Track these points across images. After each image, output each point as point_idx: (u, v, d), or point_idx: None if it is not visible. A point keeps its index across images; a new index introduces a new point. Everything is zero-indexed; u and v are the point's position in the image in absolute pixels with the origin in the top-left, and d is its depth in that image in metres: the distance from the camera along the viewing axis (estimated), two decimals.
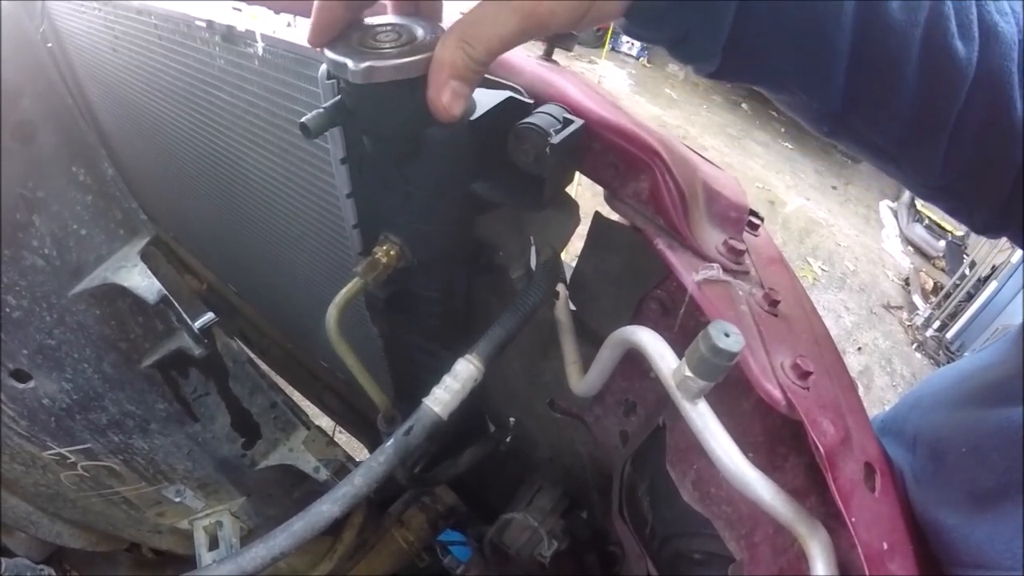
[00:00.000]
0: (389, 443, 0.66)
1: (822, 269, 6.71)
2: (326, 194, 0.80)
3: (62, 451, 0.77)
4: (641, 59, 10.31)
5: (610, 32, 9.70)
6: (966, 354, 5.56)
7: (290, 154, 0.82)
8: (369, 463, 0.65)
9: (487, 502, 1.33)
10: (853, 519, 0.53)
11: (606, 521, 1.11)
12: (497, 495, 1.28)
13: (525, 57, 0.76)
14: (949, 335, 5.99)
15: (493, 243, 0.80)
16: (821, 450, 0.55)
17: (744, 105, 9.76)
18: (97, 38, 1.10)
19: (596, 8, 0.55)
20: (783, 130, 9.29)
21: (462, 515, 1.30)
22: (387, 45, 0.58)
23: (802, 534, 0.57)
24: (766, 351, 0.60)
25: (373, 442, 1.56)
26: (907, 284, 6.96)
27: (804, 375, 0.59)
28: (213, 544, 0.93)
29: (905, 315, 6.59)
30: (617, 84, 9.13)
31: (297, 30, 0.72)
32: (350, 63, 0.56)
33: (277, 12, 0.77)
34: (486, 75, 0.70)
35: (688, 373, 0.58)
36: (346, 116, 0.61)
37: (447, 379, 0.69)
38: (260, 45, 0.73)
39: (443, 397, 0.68)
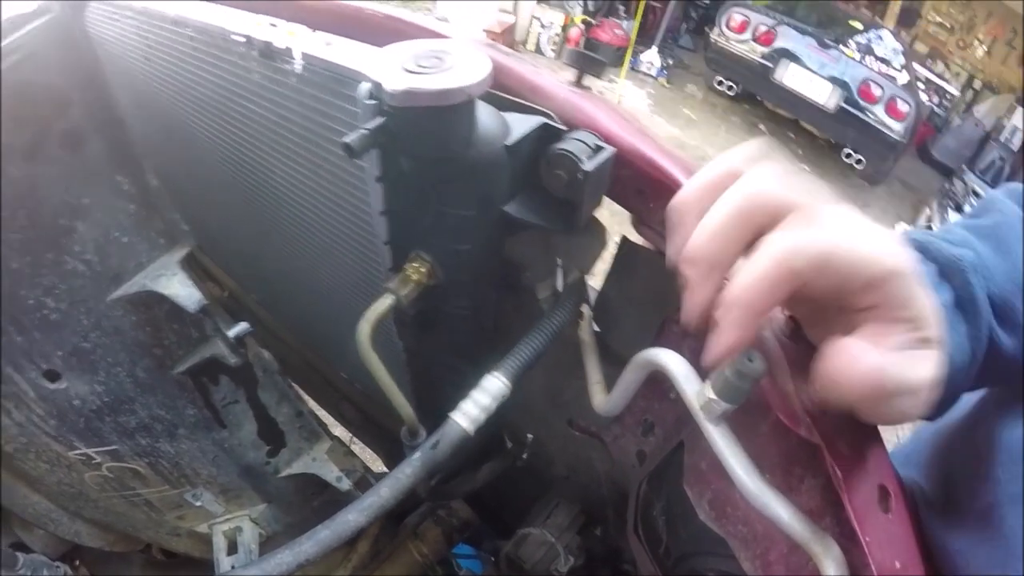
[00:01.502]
0: (416, 456, 0.67)
1: None
2: (358, 210, 0.81)
3: (88, 451, 0.78)
4: (660, 79, 10.35)
5: (630, 51, 9.75)
6: None
7: (322, 169, 0.83)
8: (396, 475, 0.66)
9: (501, 517, 1.34)
10: (867, 538, 0.54)
11: (620, 539, 1.11)
12: (511, 510, 1.29)
13: (557, 83, 0.77)
14: None
15: (521, 263, 0.82)
16: (838, 472, 0.56)
17: (762, 126, 9.79)
18: (129, 46, 1.11)
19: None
20: (800, 152, 9.30)
21: (476, 529, 1.30)
22: (429, 69, 0.59)
23: (817, 552, 0.58)
24: (787, 375, 0.61)
25: (389, 453, 1.57)
26: None
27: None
28: (232, 549, 0.94)
29: None
30: (636, 103, 9.16)
31: (335, 49, 0.73)
32: (389, 85, 0.58)
33: (313, 30, 0.78)
34: (519, 100, 0.73)
35: (712, 395, 0.59)
36: (388, 137, 0.62)
37: (475, 394, 0.71)
38: (299, 62, 0.75)
39: (471, 412, 0.70)
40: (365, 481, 0.96)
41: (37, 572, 0.88)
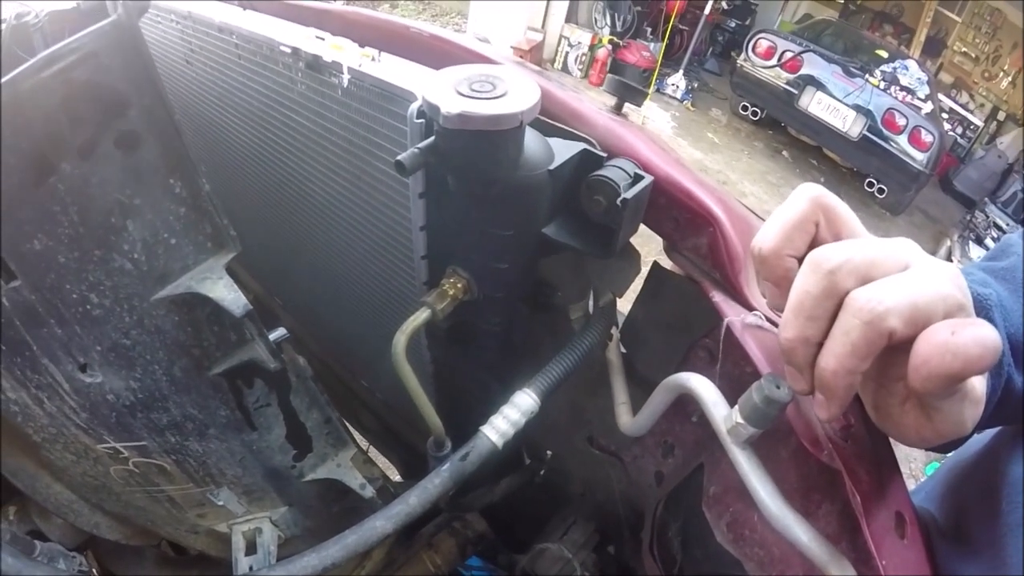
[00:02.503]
0: (445, 467, 0.68)
1: None
2: (396, 224, 0.83)
3: (117, 446, 0.78)
4: (685, 102, 10.35)
5: (656, 73, 9.77)
6: None
7: (362, 182, 0.85)
8: (424, 484, 0.67)
9: (513, 531, 1.34)
10: (883, 562, 0.56)
11: (633, 558, 1.12)
12: (523, 525, 1.29)
13: (597, 110, 0.79)
14: None
15: (554, 284, 0.83)
16: (857, 497, 0.57)
17: (785, 152, 9.76)
18: (171, 49, 1.13)
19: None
20: (822, 180, 9.25)
21: (489, 542, 1.30)
22: (482, 94, 0.60)
23: (834, 575, 0.59)
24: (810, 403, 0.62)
25: (405, 463, 1.58)
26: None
27: (845, 428, 0.62)
28: (250, 549, 0.95)
29: None
30: (660, 126, 9.15)
31: (383, 66, 0.75)
32: (444, 107, 0.59)
33: (362, 45, 0.80)
34: (561, 125, 0.75)
35: (739, 420, 0.61)
36: (438, 157, 0.63)
37: (506, 409, 0.72)
38: (346, 77, 0.76)
39: (501, 427, 0.71)
40: (385, 490, 0.96)
41: (54, 561, 0.88)
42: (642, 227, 0.75)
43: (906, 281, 0.51)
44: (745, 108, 10.28)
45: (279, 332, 0.72)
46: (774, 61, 9.44)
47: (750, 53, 9.63)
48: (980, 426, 0.73)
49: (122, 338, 0.68)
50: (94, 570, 1.08)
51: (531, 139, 0.67)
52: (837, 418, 0.56)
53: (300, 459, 0.90)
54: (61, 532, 0.95)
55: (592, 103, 0.81)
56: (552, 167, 0.67)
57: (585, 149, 0.71)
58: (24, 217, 0.57)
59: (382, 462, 1.75)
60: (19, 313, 0.62)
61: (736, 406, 0.62)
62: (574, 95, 0.80)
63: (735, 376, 0.72)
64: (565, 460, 1.19)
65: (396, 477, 1.53)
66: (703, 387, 0.67)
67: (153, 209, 0.61)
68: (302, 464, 0.91)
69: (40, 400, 0.72)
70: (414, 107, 0.67)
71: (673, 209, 0.72)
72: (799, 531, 0.60)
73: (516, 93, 0.61)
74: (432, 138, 0.63)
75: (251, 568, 0.93)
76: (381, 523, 0.65)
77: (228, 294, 0.64)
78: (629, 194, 0.66)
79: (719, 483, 0.80)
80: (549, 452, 1.26)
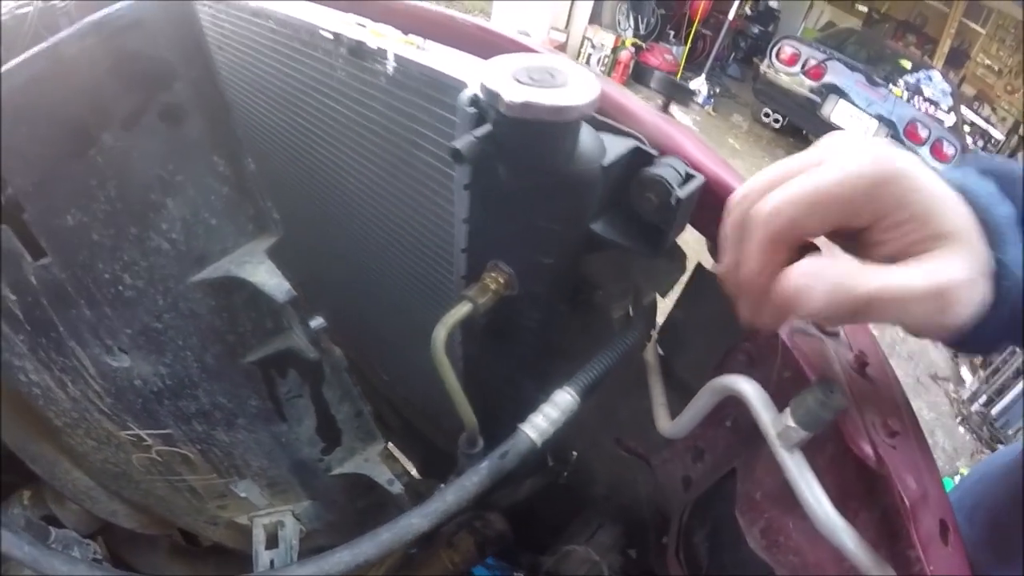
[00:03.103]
0: (483, 464, 0.67)
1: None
2: (436, 216, 0.82)
3: (141, 433, 0.77)
4: (707, 107, 10.33)
5: (679, 77, 9.74)
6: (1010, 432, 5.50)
7: (402, 172, 0.83)
8: (462, 482, 0.66)
9: (533, 532, 1.33)
10: (931, 567, 0.56)
11: (656, 562, 1.10)
12: (542, 526, 1.28)
13: (646, 107, 0.78)
14: (995, 411, 5.84)
15: (596, 282, 0.81)
16: (906, 502, 0.57)
17: None
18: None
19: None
20: None
21: (508, 543, 1.29)
22: (543, 84, 0.59)
23: None
24: (858, 409, 0.63)
25: (424, 461, 1.56)
26: (956, 356, 6.82)
27: (892, 434, 0.63)
28: (271, 543, 0.94)
29: (952, 387, 6.47)
30: None
31: (430, 54, 0.74)
32: (506, 95, 0.57)
33: (406, 32, 0.78)
34: (611, 122, 0.73)
35: (791, 423, 0.61)
36: (495, 146, 0.62)
37: (546, 408, 0.71)
38: (391, 64, 0.74)
39: (540, 425, 0.70)
40: (411, 486, 0.95)
41: (68, 548, 0.88)
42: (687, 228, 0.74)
43: (809, 175, 0.53)
44: (767, 115, 10.25)
45: (317, 321, 0.70)
46: (797, 68, 9.42)
47: (773, 59, 9.61)
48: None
49: (154, 321, 0.66)
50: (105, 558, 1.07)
51: (585, 133, 0.65)
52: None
53: (328, 452, 0.88)
54: (76, 519, 0.95)
55: (640, 101, 0.80)
56: (605, 162, 0.66)
57: (636, 146, 0.70)
58: (58, 191, 0.55)
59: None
60: (47, 292, 0.61)
61: (787, 409, 0.62)
62: (620, 91, 0.79)
63: (772, 380, 0.71)
64: (590, 461, 1.17)
65: (413, 473, 1.52)
66: (752, 390, 0.67)
67: (195, 187, 0.59)
68: (330, 458, 0.89)
69: (64, 383, 0.71)
70: (465, 95, 0.65)
71: (720, 210, 0.70)
72: (846, 537, 0.60)
73: (576, 85, 0.60)
74: (488, 126, 0.61)
75: (272, 562, 0.92)
76: (417, 520, 0.64)
77: (270, 279, 0.62)
78: (683, 193, 0.65)
79: (753, 489, 0.79)
80: (575, 453, 1.24)
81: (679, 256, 0.79)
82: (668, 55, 9.84)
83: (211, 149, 0.59)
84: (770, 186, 0.55)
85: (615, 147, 0.68)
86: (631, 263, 0.81)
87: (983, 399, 6.02)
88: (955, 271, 0.51)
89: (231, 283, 0.64)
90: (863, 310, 0.51)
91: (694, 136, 0.76)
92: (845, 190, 0.52)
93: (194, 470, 0.85)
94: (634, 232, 0.71)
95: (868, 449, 0.60)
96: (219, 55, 1.10)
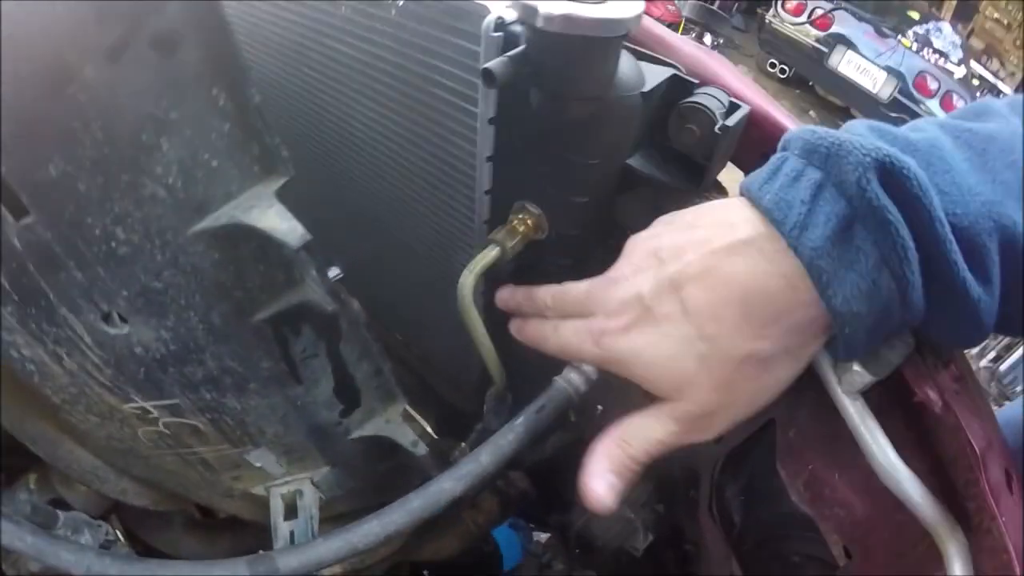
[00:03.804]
0: (519, 420, 0.63)
1: None
2: (455, 157, 0.77)
3: (145, 405, 0.72)
4: None
5: (681, 28, 9.62)
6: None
7: (417, 113, 0.78)
8: (497, 440, 0.62)
9: (557, 491, 1.30)
10: (1003, 518, 0.54)
11: (684, 518, 1.09)
12: (568, 485, 1.25)
13: (681, 37, 0.74)
14: (1003, 367, 5.80)
15: (627, 224, 0.77)
16: (976, 450, 0.55)
17: (812, 113, 9.70)
18: None
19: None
20: None
21: (531, 502, 1.26)
22: None
23: (943, 536, 0.57)
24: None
25: (443, 420, 1.53)
26: None
27: (958, 378, 0.59)
28: (290, 513, 0.90)
29: None
30: None
31: None
32: (544, 8, 0.53)
33: None
34: (645, 51, 0.69)
35: (857, 368, 0.57)
36: (530, 68, 0.57)
37: (584, 364, 0.67)
38: None
39: (575, 379, 0.66)
40: (435, 447, 0.90)
41: (78, 531, 0.84)
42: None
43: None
44: (773, 66, 10.13)
45: (333, 271, 0.65)
46: (804, 18, 9.30)
47: (779, 9, 9.50)
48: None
49: (153, 280, 0.60)
50: (120, 535, 1.04)
51: (623, 59, 0.61)
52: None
53: (347, 415, 0.84)
54: (85, 500, 0.91)
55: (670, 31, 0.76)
56: (644, 90, 0.62)
57: (674, 75, 0.65)
58: (38, 137, 0.48)
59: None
60: (33, 255, 0.54)
61: None
62: (654, 20, 0.74)
63: None
64: (616, 416, 1.13)
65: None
66: None
67: (192, 125, 0.53)
68: (348, 420, 0.85)
69: (59, 356, 0.65)
70: (490, 19, 0.60)
71: (765, 144, 0.66)
72: (911, 488, 0.57)
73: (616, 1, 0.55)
74: (523, 47, 0.57)
75: (291, 533, 0.87)
76: (450, 484, 0.60)
77: (281, 223, 0.56)
78: (729, 122, 0.61)
79: (795, 439, 0.76)
80: (600, 407, 1.20)
81: (720, 195, 0.74)
82: (671, 5, 9.71)
83: (210, 80, 0.52)
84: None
85: (652, 75, 0.64)
86: (666, 204, 0.76)
87: (991, 355, 5.97)
88: (679, 424, 0.58)
89: (237, 232, 0.58)
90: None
91: (731, 66, 0.72)
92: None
93: (205, 441, 0.80)
94: (673, 167, 0.67)
95: (934, 395, 0.57)
96: None
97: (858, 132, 0.52)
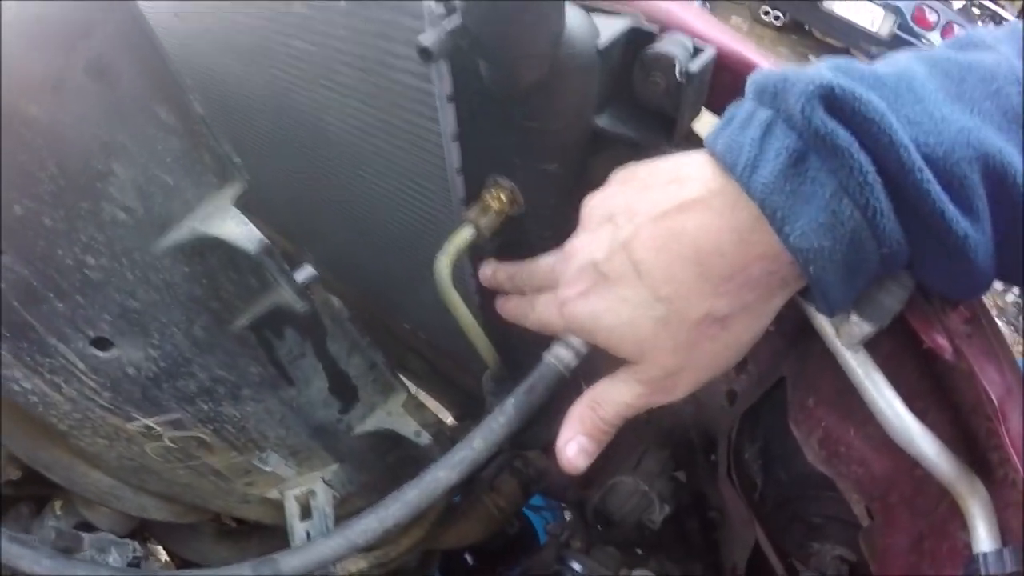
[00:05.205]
0: (510, 402, 0.61)
1: None
2: (422, 140, 0.75)
3: (148, 422, 0.73)
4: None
5: None
6: None
7: (381, 100, 0.77)
8: (489, 424, 0.61)
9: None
10: None
11: (706, 485, 1.08)
12: None
13: None
14: None
15: None
16: (993, 399, 0.52)
17: (812, 57, 9.52)
18: (159, 8, 1.05)
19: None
20: None
21: (552, 480, 1.26)
22: None
23: (962, 493, 0.54)
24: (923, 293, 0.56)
25: (459, 405, 1.53)
26: None
27: (969, 319, 0.55)
28: (305, 514, 0.90)
29: None
30: None
31: None
32: None
33: None
34: (598, 5, 0.66)
35: (855, 318, 0.53)
36: (468, 39, 0.55)
37: (570, 336, 0.64)
38: None
39: (565, 355, 0.64)
40: (442, 435, 0.90)
41: (105, 551, 0.84)
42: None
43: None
44: (767, 12, 9.97)
45: (307, 272, 0.65)
46: None
47: None
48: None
49: (129, 300, 0.61)
50: (162, 552, 1.06)
51: (572, 13, 0.59)
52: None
53: (346, 411, 0.84)
54: (110, 520, 0.92)
55: None
56: (600, 46, 0.60)
57: (633, 26, 0.63)
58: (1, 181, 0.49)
59: (433, 406, 1.71)
60: (15, 292, 0.55)
61: None
62: None
63: None
64: None
65: (450, 421, 1.49)
66: None
67: (140, 145, 0.53)
68: (349, 416, 0.85)
69: (57, 385, 0.66)
70: None
71: (738, 85, 0.63)
72: (924, 444, 0.54)
73: None
74: (458, 16, 0.55)
75: (308, 534, 0.88)
76: (444, 473, 0.59)
77: (238, 229, 0.56)
78: (693, 67, 0.58)
79: (806, 396, 0.74)
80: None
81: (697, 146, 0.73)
82: None
83: (149, 98, 0.52)
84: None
85: (609, 29, 0.62)
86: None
87: (1017, 290, 5.91)
88: (644, 386, 0.58)
89: (202, 244, 0.58)
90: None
91: (698, 9, 0.69)
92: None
93: (211, 451, 0.81)
94: (644, 123, 0.65)
95: (943, 340, 0.54)
96: (182, 25, 1.04)
97: (816, 68, 0.50)
